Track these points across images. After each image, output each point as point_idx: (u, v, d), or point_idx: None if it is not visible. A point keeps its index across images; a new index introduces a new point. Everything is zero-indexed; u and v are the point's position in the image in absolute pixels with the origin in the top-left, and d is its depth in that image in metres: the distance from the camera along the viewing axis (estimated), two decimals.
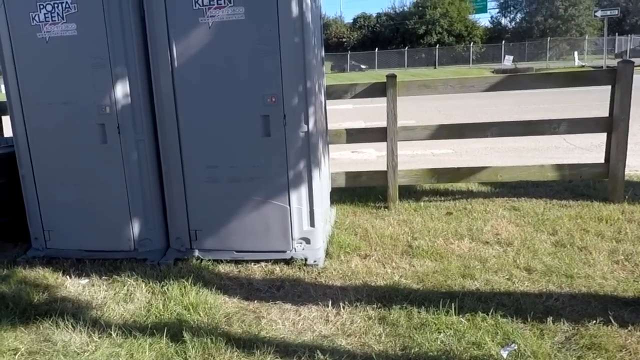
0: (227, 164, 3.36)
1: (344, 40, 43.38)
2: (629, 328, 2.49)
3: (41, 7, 3.29)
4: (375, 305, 2.82)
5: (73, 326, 2.75)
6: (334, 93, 4.49)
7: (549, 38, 35.91)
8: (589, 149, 6.87)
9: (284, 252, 3.44)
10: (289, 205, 3.37)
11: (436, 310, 2.71)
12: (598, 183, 4.83)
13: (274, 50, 3.14)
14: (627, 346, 2.37)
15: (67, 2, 3.26)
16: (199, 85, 3.29)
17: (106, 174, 3.49)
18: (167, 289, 3.09)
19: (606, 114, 4.44)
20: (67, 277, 3.42)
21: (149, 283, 3.22)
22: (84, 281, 3.35)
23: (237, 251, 3.48)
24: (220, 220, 3.46)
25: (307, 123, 3.27)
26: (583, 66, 27.67)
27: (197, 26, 3.20)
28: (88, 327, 2.74)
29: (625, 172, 4.44)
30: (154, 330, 2.67)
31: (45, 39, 3.34)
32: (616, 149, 4.35)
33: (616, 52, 31.58)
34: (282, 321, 2.76)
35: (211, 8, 3.16)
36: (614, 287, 2.92)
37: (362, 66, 36.48)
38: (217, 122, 3.33)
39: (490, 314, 2.65)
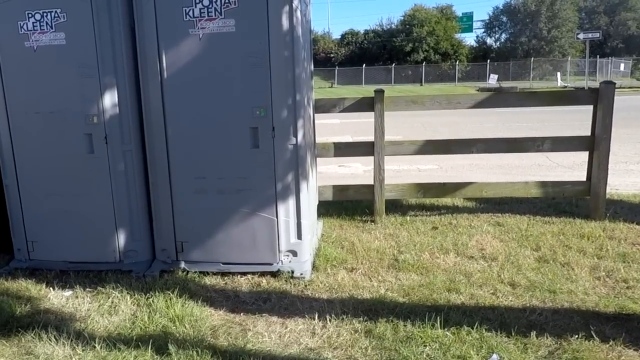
0: (215, 175, 3.36)
1: (332, 55, 43.75)
2: (610, 343, 2.53)
3: (30, 15, 3.28)
4: (361, 319, 2.83)
5: (56, 339, 2.71)
6: (322, 107, 4.54)
7: (532, 58, 36.66)
8: (571, 167, 7.00)
9: (271, 264, 3.44)
10: (277, 217, 3.38)
11: (422, 324, 2.72)
12: (580, 201, 4.92)
13: (264, 63, 3.16)
14: None
15: (56, 12, 3.25)
16: (188, 96, 3.30)
17: (92, 184, 3.46)
18: (153, 301, 3.06)
19: (588, 133, 4.54)
20: (51, 288, 3.36)
21: (134, 295, 3.18)
22: (68, 293, 3.30)
23: (223, 263, 3.47)
24: (207, 231, 3.44)
25: (295, 136, 3.29)
26: (565, 87, 28.25)
27: (188, 37, 3.21)
28: (71, 340, 2.70)
29: (607, 191, 4.53)
30: (139, 343, 2.64)
31: (33, 48, 3.33)
32: (598, 168, 4.45)
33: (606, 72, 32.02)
34: (268, 334, 2.75)
35: (202, 20, 3.18)
36: (596, 302, 2.97)
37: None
38: (206, 133, 3.33)
39: (475, 327, 2.67)
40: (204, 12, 3.17)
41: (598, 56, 34.09)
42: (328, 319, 2.83)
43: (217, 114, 3.30)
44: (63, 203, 3.53)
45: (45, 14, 3.27)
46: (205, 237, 3.45)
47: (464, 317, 2.79)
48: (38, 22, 3.29)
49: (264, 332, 2.77)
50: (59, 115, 3.40)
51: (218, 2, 3.15)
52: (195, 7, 3.17)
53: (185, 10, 3.18)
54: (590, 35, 28.58)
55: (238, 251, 3.44)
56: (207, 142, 3.33)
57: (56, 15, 3.27)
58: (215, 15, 3.17)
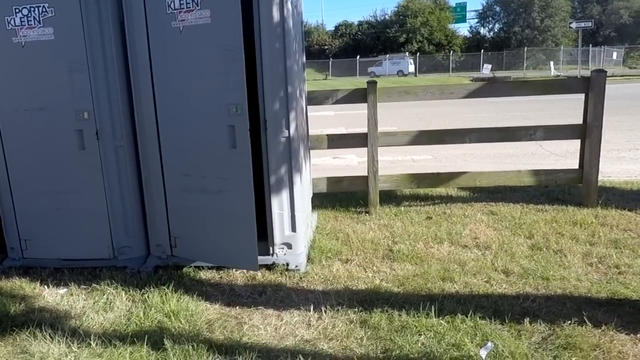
0: (198, 174, 3.28)
1: (326, 47, 43.62)
2: (602, 328, 2.55)
3: (17, 10, 3.23)
4: (356, 309, 2.84)
5: (51, 337, 2.69)
6: (315, 99, 4.53)
7: (525, 48, 36.71)
8: (564, 156, 7.03)
9: (266, 257, 3.44)
10: (271, 210, 3.38)
11: (416, 313, 2.74)
12: (572, 188, 4.94)
13: (239, 57, 2.89)
14: (600, 345, 2.43)
15: (44, 6, 3.21)
16: (175, 91, 3.23)
17: (85, 181, 3.44)
18: (148, 296, 3.06)
19: (580, 121, 4.56)
20: (45, 286, 3.34)
21: (129, 291, 3.18)
22: (63, 290, 3.29)
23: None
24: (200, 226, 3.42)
25: (288, 128, 3.28)
26: (558, 76, 28.34)
27: (170, 31, 3.12)
28: (67, 337, 2.69)
29: (599, 178, 4.56)
30: (135, 339, 2.63)
31: (21, 44, 3.28)
32: (590, 155, 4.47)
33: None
34: (264, 326, 2.75)
35: (181, 12, 3.05)
36: (588, 288, 3.00)
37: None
38: (189, 130, 3.21)
39: (469, 315, 2.69)
40: (183, 4, 3.03)
41: (591, 45, 34.17)
42: (323, 311, 2.84)
43: (198, 111, 3.16)
44: (55, 200, 3.50)
45: (32, 9, 3.22)
46: (194, 234, 3.42)
47: (458, 306, 2.81)
48: (26, 17, 3.24)
49: (260, 325, 2.77)
50: (49, 111, 3.37)
51: None
52: None
53: (167, 2, 3.08)
54: (582, 24, 28.63)
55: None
56: (190, 140, 3.23)
57: (44, 9, 3.22)
58: (192, 6, 3.00)
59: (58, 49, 3.26)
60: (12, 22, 3.25)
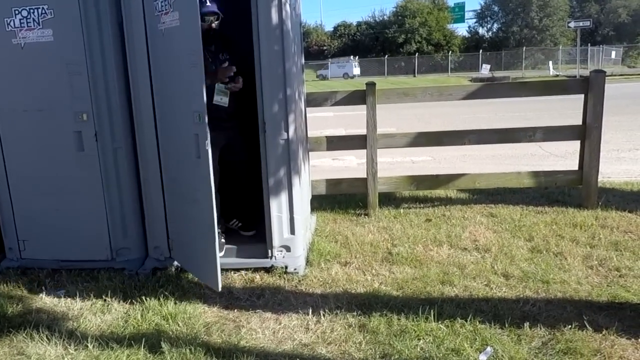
0: (181, 178, 3.21)
1: (325, 48, 43.63)
2: (603, 332, 2.54)
3: (16, 12, 3.21)
4: (355, 313, 2.83)
5: (48, 338, 2.68)
6: (314, 100, 4.51)
7: (524, 48, 36.72)
8: (563, 156, 7.03)
9: (264, 260, 3.43)
10: (269, 212, 3.37)
11: (415, 317, 2.73)
12: (572, 190, 4.94)
13: (199, 63, 2.70)
14: (601, 350, 2.42)
15: (43, 8, 3.19)
16: (165, 95, 3.18)
17: (83, 182, 3.42)
18: (145, 298, 3.04)
19: (580, 122, 4.55)
20: (43, 287, 3.33)
21: (127, 293, 3.16)
22: (60, 292, 3.28)
23: None
24: (182, 232, 3.38)
25: (287, 130, 3.27)
26: (557, 75, 28.36)
27: (157, 33, 3.07)
28: (64, 339, 2.68)
29: (599, 179, 4.55)
30: (132, 341, 2.62)
31: (20, 45, 3.27)
32: (589, 157, 4.46)
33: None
34: (262, 330, 2.74)
35: (162, 14, 2.97)
36: (589, 292, 2.99)
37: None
38: (175, 135, 3.14)
39: (468, 320, 2.68)
40: (163, 6, 2.93)
41: (589, 44, 34.22)
42: (322, 314, 2.83)
43: (178, 116, 3.05)
44: (54, 201, 3.49)
45: (32, 11, 3.20)
46: (179, 239, 3.40)
47: (458, 310, 2.80)
48: (25, 19, 3.22)
49: (258, 328, 2.76)
50: (48, 113, 3.35)
51: None
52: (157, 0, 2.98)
53: (155, 5, 3.02)
54: (581, 24, 28.63)
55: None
56: (176, 144, 3.17)
57: (43, 11, 3.20)
58: (167, 9, 2.90)
59: (57, 51, 3.24)
60: (11, 23, 3.24)
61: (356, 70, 38.26)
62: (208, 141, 2.74)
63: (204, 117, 2.72)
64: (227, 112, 3.45)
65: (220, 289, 2.93)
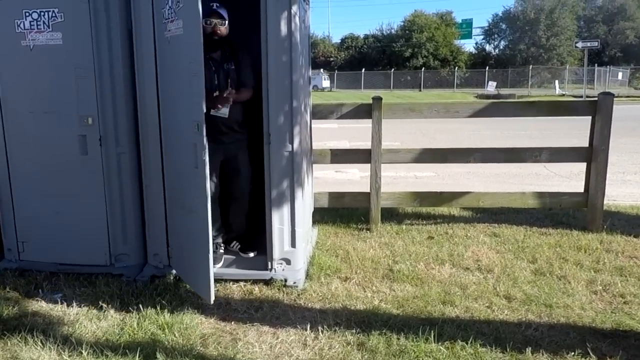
0: (179, 188, 3.20)
1: (332, 59, 43.82)
2: None
3: (27, 14, 3.23)
4: (354, 330, 2.78)
5: (42, 343, 2.65)
6: (319, 113, 4.50)
7: (531, 66, 36.78)
8: (568, 177, 6.99)
9: (264, 272, 3.39)
10: (271, 224, 3.34)
11: (415, 337, 2.68)
12: (577, 212, 4.89)
13: (200, 72, 2.69)
14: None
15: (53, 11, 3.20)
16: (170, 102, 3.17)
17: (85, 186, 3.41)
18: (142, 306, 3.01)
19: (586, 142, 4.52)
20: (40, 290, 3.30)
21: (124, 300, 3.13)
22: (57, 296, 3.25)
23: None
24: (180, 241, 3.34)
25: (292, 142, 3.25)
26: (563, 95, 28.35)
27: (164, 41, 3.07)
28: (58, 345, 2.65)
29: (604, 202, 4.51)
30: (127, 350, 2.59)
31: (29, 47, 3.28)
32: (595, 179, 4.43)
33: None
34: (259, 344, 2.70)
35: (168, 21, 2.98)
36: (592, 318, 2.94)
37: None
38: (176, 143, 3.11)
39: (469, 342, 2.63)
40: (169, 14, 2.94)
41: (596, 65, 34.21)
42: (320, 330, 2.79)
43: (179, 124, 3.03)
44: (55, 204, 3.47)
45: (42, 13, 3.22)
46: (177, 248, 3.37)
47: (459, 331, 2.75)
48: (35, 21, 3.23)
49: (255, 342, 2.72)
50: (54, 115, 3.35)
51: (174, 2, 2.88)
52: (165, 7, 2.98)
53: (163, 13, 3.03)
54: (589, 44, 28.64)
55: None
56: (177, 152, 3.15)
57: (53, 14, 3.22)
58: (173, 17, 2.91)
59: (65, 54, 3.25)
60: (21, 25, 3.25)
61: (325, 83, 38.29)
62: (206, 151, 2.73)
63: (202, 127, 2.70)
64: (226, 125, 3.39)
65: (212, 301, 2.90)
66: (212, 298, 2.88)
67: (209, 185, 2.79)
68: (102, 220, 3.45)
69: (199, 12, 2.65)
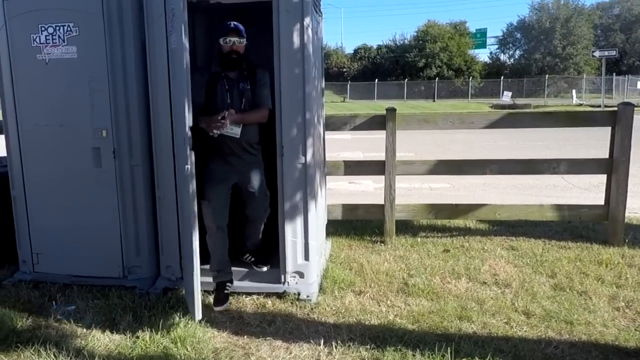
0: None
1: (345, 70, 43.92)
2: None
3: (43, 29, 3.28)
4: (368, 346, 2.72)
5: (55, 356, 2.65)
6: (333, 124, 4.48)
7: (547, 75, 36.40)
8: (587, 189, 6.85)
9: (277, 285, 3.36)
10: (284, 237, 3.30)
11: (431, 354, 2.61)
12: (597, 225, 4.77)
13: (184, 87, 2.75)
14: None
15: (69, 25, 3.25)
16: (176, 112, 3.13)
17: (99, 199, 3.42)
18: (155, 319, 2.99)
19: (605, 153, 4.42)
20: (53, 302, 3.31)
21: (137, 312, 3.12)
22: (70, 307, 3.25)
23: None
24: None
25: (305, 154, 3.23)
26: (581, 104, 28.02)
27: (170, 50, 3.08)
28: (71, 357, 2.64)
29: (625, 215, 4.40)
30: None
31: (45, 61, 3.32)
32: (616, 191, 4.32)
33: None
34: (271, 359, 2.65)
35: (170, 33, 3.00)
36: (615, 336, 2.84)
37: None
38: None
39: None
40: (171, 26, 2.97)
41: (614, 74, 33.76)
42: (334, 345, 2.74)
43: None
44: (69, 216, 3.49)
45: (58, 28, 3.27)
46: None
47: (476, 348, 2.68)
48: (50, 36, 3.28)
49: (267, 357, 2.68)
50: (69, 128, 3.38)
51: (169, 15, 2.96)
52: (168, 19, 3.01)
53: (167, 24, 3.05)
54: (606, 53, 28.27)
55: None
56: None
57: (69, 29, 3.26)
58: (170, 29, 2.98)
59: (80, 68, 3.29)
60: (37, 39, 3.30)
61: None
62: (188, 166, 2.75)
63: (187, 142, 2.74)
64: (238, 146, 3.21)
65: (198, 319, 2.86)
66: (198, 316, 2.84)
67: (194, 203, 2.79)
68: (116, 232, 3.46)
69: (180, 25, 2.68)
